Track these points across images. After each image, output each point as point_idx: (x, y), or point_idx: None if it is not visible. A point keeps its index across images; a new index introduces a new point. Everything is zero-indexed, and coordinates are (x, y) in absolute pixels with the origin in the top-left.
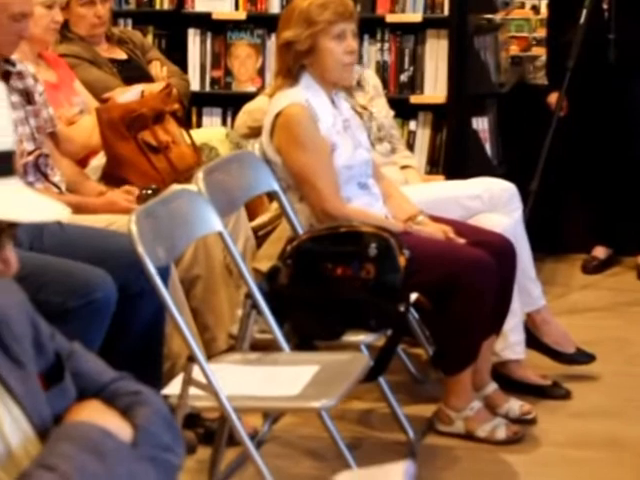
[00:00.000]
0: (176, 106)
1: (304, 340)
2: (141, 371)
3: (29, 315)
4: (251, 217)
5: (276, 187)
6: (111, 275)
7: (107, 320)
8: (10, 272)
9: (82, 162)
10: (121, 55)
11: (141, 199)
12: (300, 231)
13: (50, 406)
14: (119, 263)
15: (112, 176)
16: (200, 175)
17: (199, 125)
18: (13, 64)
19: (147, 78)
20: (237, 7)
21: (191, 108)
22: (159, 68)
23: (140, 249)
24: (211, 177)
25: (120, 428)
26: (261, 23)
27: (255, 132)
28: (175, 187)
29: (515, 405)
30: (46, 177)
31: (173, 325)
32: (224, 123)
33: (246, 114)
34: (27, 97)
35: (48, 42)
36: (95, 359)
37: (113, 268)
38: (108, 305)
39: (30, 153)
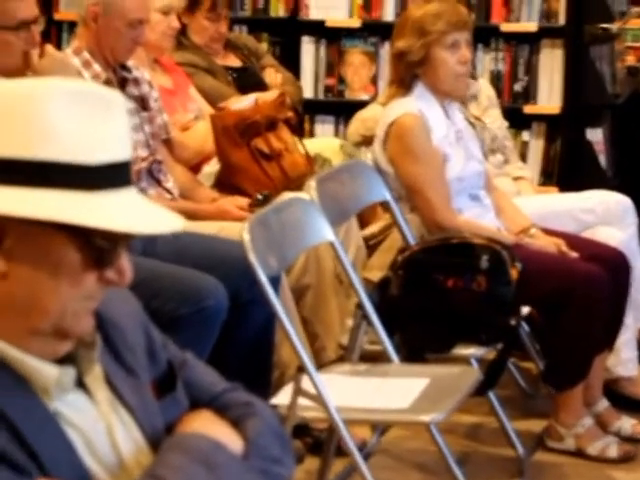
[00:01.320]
0: (290, 114)
1: (414, 352)
2: (251, 379)
3: (143, 323)
4: (363, 225)
5: (388, 197)
6: (222, 283)
7: (218, 328)
8: (124, 282)
9: (195, 168)
10: (236, 62)
11: (253, 205)
12: (411, 241)
13: (162, 416)
14: (231, 271)
15: (225, 183)
16: (313, 184)
17: (312, 133)
18: (129, 70)
19: (261, 86)
20: (351, 15)
21: (304, 116)
22: (273, 75)
23: (252, 258)
24: (323, 186)
25: (231, 440)
26: (375, 31)
27: (367, 140)
28: (287, 195)
29: (627, 423)
30: (159, 183)
31: (283, 334)
32: (337, 131)
33: (359, 122)
34: (142, 103)
35: (164, 48)
36: (207, 369)
37: (224, 276)
38: (219, 313)
39: (144, 159)
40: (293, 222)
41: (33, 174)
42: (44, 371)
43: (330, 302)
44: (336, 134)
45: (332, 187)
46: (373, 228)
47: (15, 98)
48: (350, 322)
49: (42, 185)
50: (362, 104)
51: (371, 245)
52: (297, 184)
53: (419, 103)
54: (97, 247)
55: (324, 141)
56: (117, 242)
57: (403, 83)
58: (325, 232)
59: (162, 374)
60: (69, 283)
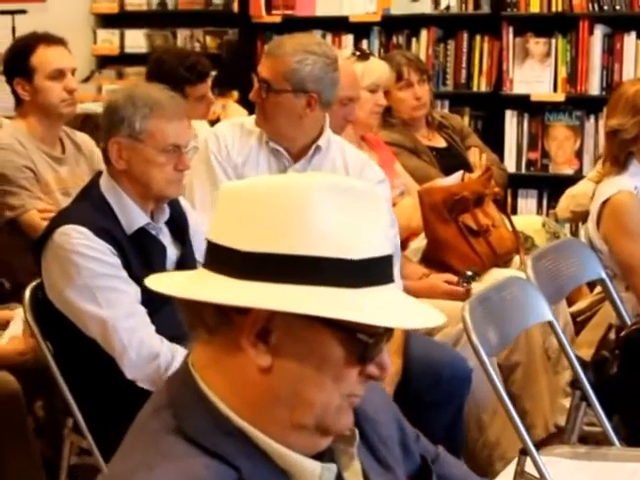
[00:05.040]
0: (496, 189)
1: (635, 434)
2: None
3: (395, 416)
4: (568, 302)
5: (603, 275)
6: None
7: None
8: (384, 377)
9: (403, 244)
10: (440, 142)
11: (461, 281)
12: (627, 320)
13: None
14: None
15: (432, 258)
16: (529, 262)
17: (514, 207)
18: None
19: (465, 166)
20: (556, 89)
21: (506, 190)
22: (477, 155)
23: (474, 337)
24: (539, 264)
25: None
26: (580, 104)
27: (578, 217)
28: (504, 273)
29: None
30: None
31: (490, 414)
32: (539, 205)
33: (570, 198)
34: None
35: (371, 125)
36: (458, 462)
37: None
38: None
39: None
40: (512, 301)
41: (299, 270)
42: (307, 467)
43: (540, 379)
44: (539, 208)
45: (547, 265)
46: (581, 304)
47: (278, 194)
48: (561, 400)
49: (308, 281)
50: (566, 178)
51: (579, 321)
52: (504, 260)
53: (634, 180)
54: (361, 342)
55: (526, 219)
56: (380, 337)
57: (617, 161)
58: (544, 311)
59: (416, 469)
60: (332, 378)
